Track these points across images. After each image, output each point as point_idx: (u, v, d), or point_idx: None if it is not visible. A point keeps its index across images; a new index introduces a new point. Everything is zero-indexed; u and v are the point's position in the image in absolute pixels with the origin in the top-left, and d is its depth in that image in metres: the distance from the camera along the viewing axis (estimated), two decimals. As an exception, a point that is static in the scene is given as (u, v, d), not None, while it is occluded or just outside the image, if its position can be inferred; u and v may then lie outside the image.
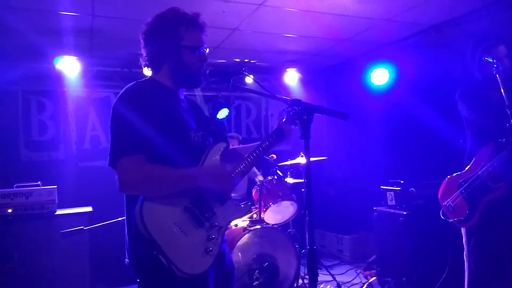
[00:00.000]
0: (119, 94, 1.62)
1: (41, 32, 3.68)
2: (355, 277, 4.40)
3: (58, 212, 3.74)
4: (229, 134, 4.90)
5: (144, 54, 1.73)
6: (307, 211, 1.55)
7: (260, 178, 4.26)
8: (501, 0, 3.34)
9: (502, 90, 2.32)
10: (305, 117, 1.57)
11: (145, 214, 1.46)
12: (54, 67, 4.47)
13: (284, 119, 1.84)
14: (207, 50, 1.76)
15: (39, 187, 3.72)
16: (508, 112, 2.28)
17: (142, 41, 1.72)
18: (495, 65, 2.38)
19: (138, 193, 1.52)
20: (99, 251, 3.91)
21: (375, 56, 4.72)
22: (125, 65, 4.82)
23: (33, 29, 3.59)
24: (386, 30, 4.09)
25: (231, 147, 1.93)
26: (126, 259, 1.63)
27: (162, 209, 1.51)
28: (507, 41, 2.54)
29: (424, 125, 4.01)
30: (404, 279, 3.56)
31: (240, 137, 4.91)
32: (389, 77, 4.59)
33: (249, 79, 5.18)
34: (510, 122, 2.27)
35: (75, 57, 4.49)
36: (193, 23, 1.71)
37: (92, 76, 4.90)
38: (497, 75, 2.37)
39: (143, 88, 1.65)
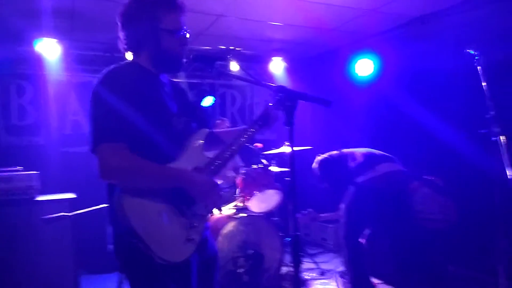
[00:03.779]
0: (99, 77, 1.57)
1: (19, 13, 3.56)
2: (339, 265, 4.48)
3: (40, 198, 3.67)
4: (218, 119, 4.86)
5: (122, 38, 1.67)
6: (291, 200, 1.56)
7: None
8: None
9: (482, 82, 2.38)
10: (289, 103, 1.57)
11: (124, 202, 1.44)
12: (34, 49, 4.34)
13: (271, 104, 1.81)
14: (188, 34, 1.69)
15: (20, 172, 3.64)
16: (489, 103, 2.34)
17: (119, 23, 1.66)
18: (476, 57, 2.44)
19: (119, 182, 1.49)
20: (82, 238, 3.87)
21: (360, 46, 4.74)
22: (107, 49, 4.72)
23: (11, 9, 3.47)
24: (372, 20, 4.12)
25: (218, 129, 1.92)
26: (109, 245, 1.62)
27: (143, 197, 1.48)
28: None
29: (408, 117, 4.06)
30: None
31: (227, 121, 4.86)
32: (374, 68, 4.62)
33: (234, 67, 5.15)
34: (489, 113, 2.34)
35: (55, 40, 4.37)
36: (172, 5, 1.65)
37: (73, 59, 4.77)
38: (478, 67, 2.43)
39: (123, 71, 1.61)
